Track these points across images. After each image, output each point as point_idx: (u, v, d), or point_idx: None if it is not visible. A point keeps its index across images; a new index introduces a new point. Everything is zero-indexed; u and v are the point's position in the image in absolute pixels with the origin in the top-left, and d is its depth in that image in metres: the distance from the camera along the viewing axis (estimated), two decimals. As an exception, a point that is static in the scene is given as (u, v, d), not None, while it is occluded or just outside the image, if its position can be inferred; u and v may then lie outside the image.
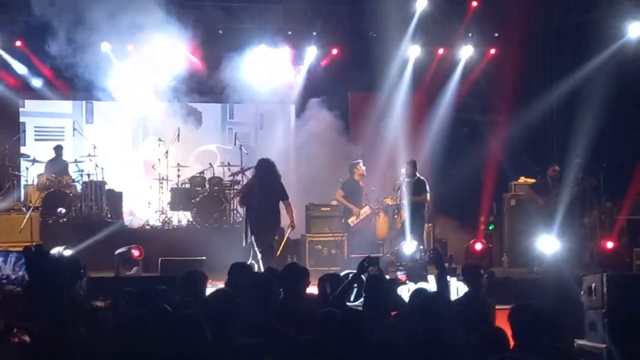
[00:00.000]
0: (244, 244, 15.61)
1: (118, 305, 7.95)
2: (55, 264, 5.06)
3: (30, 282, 5.39)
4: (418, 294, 8.36)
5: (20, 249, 14.49)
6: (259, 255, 15.15)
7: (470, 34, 21.78)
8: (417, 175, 17.81)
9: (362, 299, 9.38)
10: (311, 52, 22.13)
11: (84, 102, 22.17)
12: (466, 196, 20.46)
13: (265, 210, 15.25)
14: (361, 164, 18.50)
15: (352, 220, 18.43)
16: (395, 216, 19.24)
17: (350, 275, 9.75)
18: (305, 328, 7.14)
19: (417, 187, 17.68)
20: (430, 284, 13.35)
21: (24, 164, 20.51)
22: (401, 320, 7.84)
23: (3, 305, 10.91)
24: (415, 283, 13.31)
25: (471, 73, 22.12)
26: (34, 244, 13.27)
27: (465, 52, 22.05)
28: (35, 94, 21.64)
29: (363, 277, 9.06)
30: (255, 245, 15.22)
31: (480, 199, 20.01)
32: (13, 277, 13.64)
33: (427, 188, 17.76)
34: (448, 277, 10.87)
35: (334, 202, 19.61)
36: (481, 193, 20.11)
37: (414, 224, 17.50)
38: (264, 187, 15.33)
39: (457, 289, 13.63)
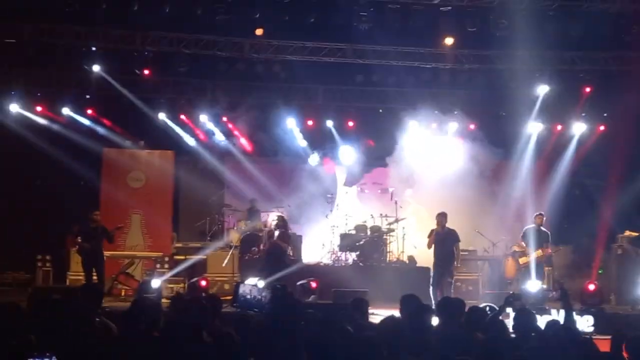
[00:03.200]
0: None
1: (309, 326, 7.93)
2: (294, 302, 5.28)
3: (273, 313, 5.52)
4: (552, 325, 8.51)
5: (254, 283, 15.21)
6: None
7: (583, 114, 21.66)
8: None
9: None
10: (452, 127, 22.07)
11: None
12: (580, 245, 20.29)
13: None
14: (540, 214, 17.79)
15: (523, 260, 17.60)
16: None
17: (488, 307, 10.16)
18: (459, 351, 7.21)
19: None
20: (553, 317, 13.52)
21: (227, 212, 21.51)
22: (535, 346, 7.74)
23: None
24: (541, 316, 13.39)
25: (584, 145, 21.89)
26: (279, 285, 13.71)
27: (579, 128, 21.89)
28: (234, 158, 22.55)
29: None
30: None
31: (593, 248, 19.72)
32: (257, 299, 14.32)
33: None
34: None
35: (471, 248, 19.78)
36: (594, 243, 19.80)
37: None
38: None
39: (575, 322, 13.80)
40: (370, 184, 22.68)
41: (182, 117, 21.59)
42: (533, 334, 8.20)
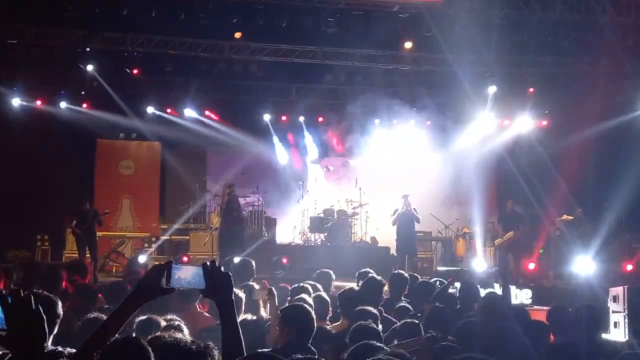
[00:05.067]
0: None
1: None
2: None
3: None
4: (490, 294, 8.79)
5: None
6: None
7: (526, 110, 21.62)
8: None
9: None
10: (411, 122, 22.19)
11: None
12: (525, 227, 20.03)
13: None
14: (511, 201, 18.43)
15: (497, 241, 17.97)
16: (471, 240, 19.62)
17: (438, 282, 10.24)
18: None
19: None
20: (496, 290, 13.73)
21: (208, 197, 21.42)
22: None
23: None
24: (485, 289, 13.58)
25: (528, 138, 21.79)
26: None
27: (524, 123, 21.85)
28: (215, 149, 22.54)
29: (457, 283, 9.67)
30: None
31: (536, 229, 19.80)
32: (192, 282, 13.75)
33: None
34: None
35: (426, 229, 19.99)
36: (537, 225, 19.99)
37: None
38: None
39: (516, 295, 14.00)
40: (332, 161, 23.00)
41: (168, 111, 21.50)
42: (476, 304, 8.35)
